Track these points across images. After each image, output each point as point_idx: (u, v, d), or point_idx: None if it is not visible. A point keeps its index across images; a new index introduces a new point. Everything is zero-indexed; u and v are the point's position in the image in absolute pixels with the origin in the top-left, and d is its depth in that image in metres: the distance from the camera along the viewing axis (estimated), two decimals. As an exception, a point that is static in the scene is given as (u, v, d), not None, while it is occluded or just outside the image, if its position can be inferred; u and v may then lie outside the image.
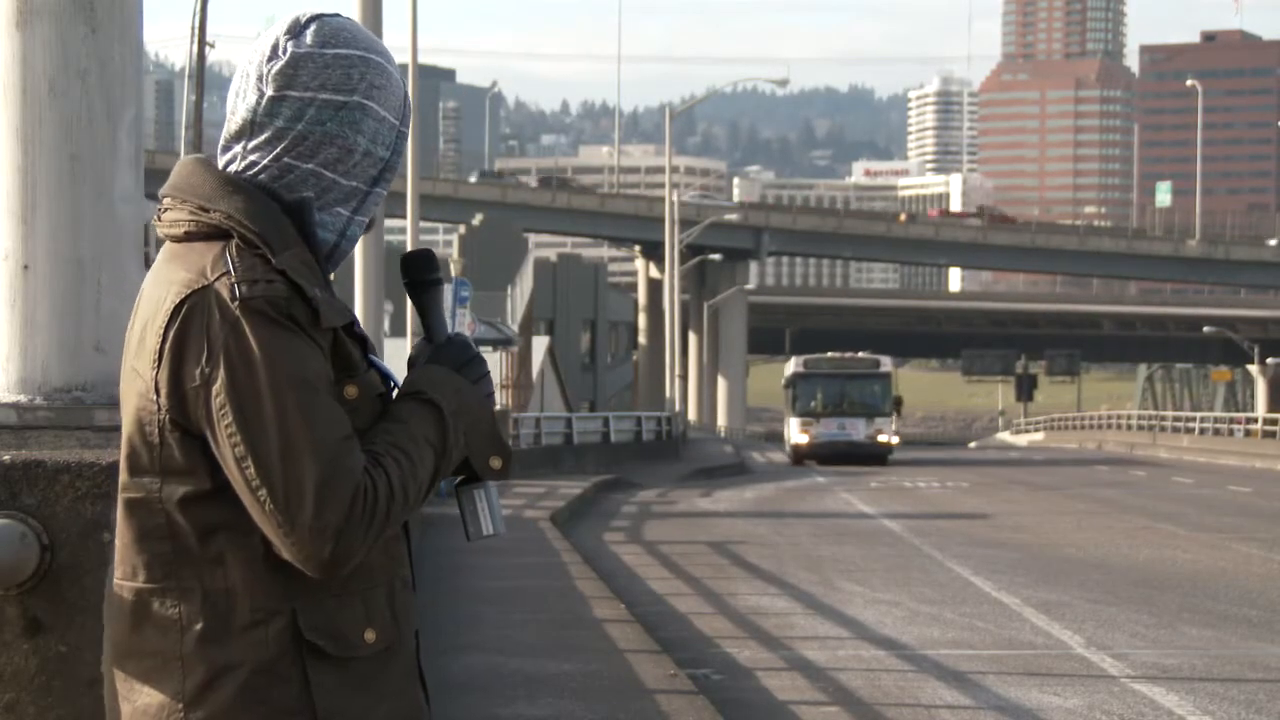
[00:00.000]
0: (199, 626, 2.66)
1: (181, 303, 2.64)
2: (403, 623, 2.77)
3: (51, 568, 3.97)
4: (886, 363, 58.56)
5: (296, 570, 2.64)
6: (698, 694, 10.45)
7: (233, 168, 2.77)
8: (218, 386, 2.61)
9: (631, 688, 10.59)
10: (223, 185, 2.72)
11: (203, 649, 2.65)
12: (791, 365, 59.14)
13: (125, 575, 2.72)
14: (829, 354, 61.46)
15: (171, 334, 2.65)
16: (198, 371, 2.62)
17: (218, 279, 2.64)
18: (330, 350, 2.67)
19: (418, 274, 2.87)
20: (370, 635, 2.71)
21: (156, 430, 2.67)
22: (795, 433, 56.87)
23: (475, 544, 22.53)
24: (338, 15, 2.81)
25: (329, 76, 2.74)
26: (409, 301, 2.87)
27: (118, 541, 2.76)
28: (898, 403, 56.98)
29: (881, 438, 55.68)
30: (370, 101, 2.76)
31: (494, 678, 10.90)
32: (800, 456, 56.69)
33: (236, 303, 2.61)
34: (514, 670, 11.20)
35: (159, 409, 2.66)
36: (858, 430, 55.52)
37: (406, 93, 2.84)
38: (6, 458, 4.02)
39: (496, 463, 2.81)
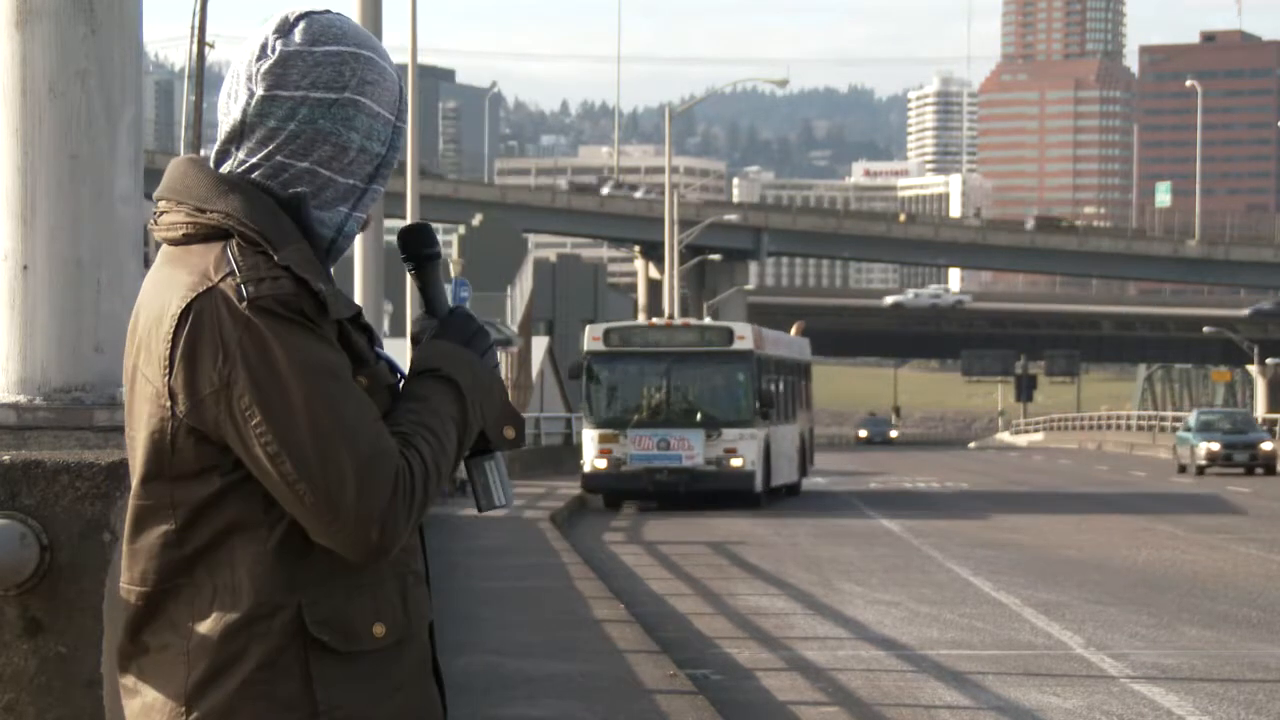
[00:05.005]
0: (207, 622, 2.64)
1: (188, 308, 2.62)
2: (414, 617, 2.74)
3: (51, 568, 3.96)
4: (746, 334, 33.46)
5: (303, 563, 2.63)
6: (697, 694, 10.46)
7: (226, 168, 2.74)
8: (240, 388, 2.59)
9: (631, 688, 10.60)
10: (218, 185, 2.70)
11: (209, 644, 2.64)
12: (586, 339, 34.12)
13: (134, 580, 2.70)
14: (653, 320, 38.86)
15: (182, 340, 2.62)
16: (215, 375, 2.60)
17: (222, 280, 2.62)
18: (338, 342, 2.66)
19: (416, 248, 2.85)
20: (379, 629, 2.68)
21: (169, 437, 2.65)
22: (590, 453, 32.63)
23: (473, 543, 22.43)
24: (328, 12, 2.78)
25: (319, 74, 2.72)
26: (408, 294, 2.85)
27: (125, 547, 2.73)
28: (765, 403, 32.72)
29: (737, 460, 31.76)
30: (363, 97, 2.74)
31: (494, 678, 10.89)
32: (608, 496, 33.10)
33: (244, 303, 2.60)
34: (513, 670, 11.20)
35: (172, 415, 2.64)
36: (692, 449, 31.69)
37: (403, 87, 2.81)
38: (6, 458, 4.01)
39: (510, 432, 2.83)
